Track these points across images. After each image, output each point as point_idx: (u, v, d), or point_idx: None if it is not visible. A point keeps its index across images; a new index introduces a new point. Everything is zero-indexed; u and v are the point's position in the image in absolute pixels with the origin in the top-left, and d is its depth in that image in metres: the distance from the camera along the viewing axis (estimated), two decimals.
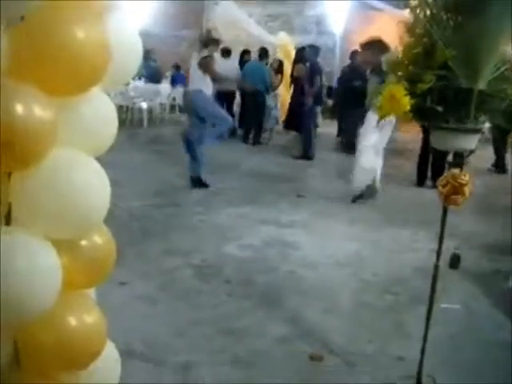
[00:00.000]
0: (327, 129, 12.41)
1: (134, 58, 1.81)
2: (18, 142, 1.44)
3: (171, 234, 5.45)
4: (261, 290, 4.26)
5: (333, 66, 15.61)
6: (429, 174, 8.20)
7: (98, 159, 1.72)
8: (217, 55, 8.20)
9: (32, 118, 1.46)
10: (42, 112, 1.48)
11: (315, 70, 10.26)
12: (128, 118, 12.83)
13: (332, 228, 5.98)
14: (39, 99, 1.49)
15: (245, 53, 13.18)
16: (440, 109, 2.52)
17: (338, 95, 12.40)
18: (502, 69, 2.57)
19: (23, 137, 1.44)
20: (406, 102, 2.39)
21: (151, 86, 13.80)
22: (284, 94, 13.24)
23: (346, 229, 5.96)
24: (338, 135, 12.68)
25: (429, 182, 7.97)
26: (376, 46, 6.49)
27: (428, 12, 2.58)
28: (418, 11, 2.59)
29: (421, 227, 5.77)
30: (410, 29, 2.61)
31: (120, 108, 12.70)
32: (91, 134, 1.66)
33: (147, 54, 15.10)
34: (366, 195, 7.04)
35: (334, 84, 13.79)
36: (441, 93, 2.52)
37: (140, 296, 3.99)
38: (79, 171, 1.60)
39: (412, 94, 2.44)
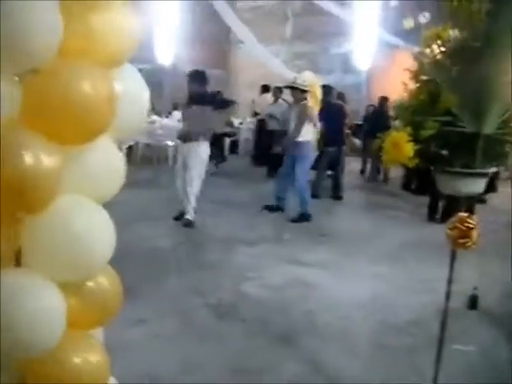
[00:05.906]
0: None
1: (140, 107, 1.89)
2: (26, 188, 1.52)
3: (190, 273, 5.50)
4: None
5: (360, 104, 15.56)
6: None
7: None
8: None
9: (39, 165, 1.54)
10: (49, 159, 1.56)
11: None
12: (155, 155, 13.04)
13: (353, 267, 5.96)
14: (46, 147, 1.57)
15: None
16: (445, 153, 2.56)
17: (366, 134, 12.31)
18: (508, 114, 2.60)
19: (31, 183, 1.53)
20: (410, 149, 2.43)
21: (178, 124, 13.98)
22: None
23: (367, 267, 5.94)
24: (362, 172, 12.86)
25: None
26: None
27: (432, 58, 2.63)
28: (422, 58, 2.64)
29: (441, 266, 5.72)
30: (414, 75, 2.67)
31: (147, 146, 12.96)
32: (97, 181, 1.74)
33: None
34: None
35: (360, 122, 13.67)
36: (446, 138, 2.56)
37: (156, 334, 4.04)
38: (84, 216, 1.68)
39: (416, 139, 2.48)
